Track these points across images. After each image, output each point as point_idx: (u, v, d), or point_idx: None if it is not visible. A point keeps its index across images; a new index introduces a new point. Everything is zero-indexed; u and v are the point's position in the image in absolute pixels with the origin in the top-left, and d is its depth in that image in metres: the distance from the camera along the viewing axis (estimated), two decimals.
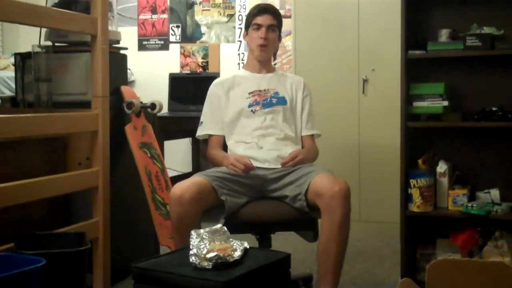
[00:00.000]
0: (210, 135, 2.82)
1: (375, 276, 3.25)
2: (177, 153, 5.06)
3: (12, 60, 3.87)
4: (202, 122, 2.85)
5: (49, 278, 2.13)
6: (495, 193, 2.91)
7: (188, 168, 5.00)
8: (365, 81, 4.05)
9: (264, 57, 2.83)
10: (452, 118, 2.91)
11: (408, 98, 2.93)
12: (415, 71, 3.00)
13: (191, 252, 1.95)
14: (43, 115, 2.67)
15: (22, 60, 3.17)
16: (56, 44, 3.11)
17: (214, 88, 2.87)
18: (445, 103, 2.90)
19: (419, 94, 2.93)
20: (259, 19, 2.78)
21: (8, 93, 4.22)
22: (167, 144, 4.33)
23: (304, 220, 2.54)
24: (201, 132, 2.84)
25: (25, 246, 2.31)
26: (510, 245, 2.80)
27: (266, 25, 2.77)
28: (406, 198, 2.89)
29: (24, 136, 2.55)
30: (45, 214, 2.83)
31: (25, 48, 3.31)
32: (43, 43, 3.08)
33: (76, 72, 3.01)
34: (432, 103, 2.91)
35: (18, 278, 1.95)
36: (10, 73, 4.19)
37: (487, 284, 1.92)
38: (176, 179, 2.78)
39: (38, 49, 3.04)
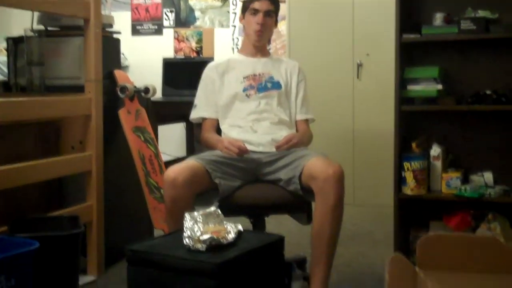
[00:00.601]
0: (204, 118, 2.81)
1: (368, 259, 3.27)
2: (171, 138, 5.05)
3: (5, 44, 3.84)
4: (196, 105, 2.84)
5: (43, 261, 2.14)
6: (488, 176, 2.92)
7: (182, 153, 5.00)
8: (359, 65, 4.05)
9: (260, 42, 2.82)
10: (446, 102, 2.91)
11: (402, 82, 2.93)
12: (409, 55, 3.00)
13: (185, 234, 1.95)
14: (36, 99, 2.66)
15: (15, 44, 3.15)
16: (49, 28, 3.09)
17: (208, 72, 2.85)
18: (439, 86, 2.90)
19: (414, 78, 2.93)
20: (257, 4, 2.75)
21: (0, 77, 4.19)
22: (161, 128, 4.32)
23: (298, 203, 2.54)
24: (195, 115, 2.83)
25: (19, 229, 2.31)
26: (502, 227, 2.81)
27: (264, 10, 2.75)
28: (399, 181, 2.90)
29: (17, 120, 2.54)
30: (38, 198, 2.83)
31: (17, 32, 3.28)
32: (35, 27, 3.06)
33: (69, 56, 2.99)
34: (426, 86, 2.91)
35: (11, 261, 1.96)
36: (3, 57, 4.16)
37: (478, 259, 1.92)
38: (170, 164, 2.76)
39: (31, 33, 3.02)
